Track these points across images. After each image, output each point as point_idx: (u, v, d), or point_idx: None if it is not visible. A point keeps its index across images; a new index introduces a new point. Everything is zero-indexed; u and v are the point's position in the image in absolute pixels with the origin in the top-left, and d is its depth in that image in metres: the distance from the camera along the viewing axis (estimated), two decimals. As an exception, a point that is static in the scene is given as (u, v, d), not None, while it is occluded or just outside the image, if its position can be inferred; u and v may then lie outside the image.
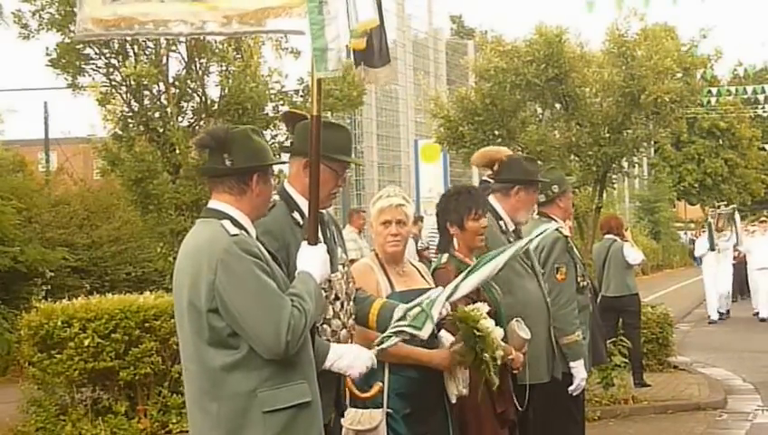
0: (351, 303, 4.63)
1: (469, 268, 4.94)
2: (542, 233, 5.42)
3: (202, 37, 14.39)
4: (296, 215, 4.47)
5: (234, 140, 3.88)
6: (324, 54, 3.97)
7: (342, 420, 4.65)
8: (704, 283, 21.40)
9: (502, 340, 4.94)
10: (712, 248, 20.36)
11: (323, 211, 4.54)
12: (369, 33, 4.14)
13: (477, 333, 4.69)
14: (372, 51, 4.26)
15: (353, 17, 4.10)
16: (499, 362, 4.84)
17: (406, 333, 4.56)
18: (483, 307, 4.84)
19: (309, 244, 4.05)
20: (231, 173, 3.89)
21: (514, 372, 5.48)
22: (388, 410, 4.81)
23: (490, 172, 6.40)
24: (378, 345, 4.52)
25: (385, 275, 5.07)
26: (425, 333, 4.58)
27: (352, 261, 5.03)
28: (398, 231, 5.08)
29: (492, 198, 6.16)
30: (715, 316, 20.91)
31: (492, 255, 4.96)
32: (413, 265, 5.35)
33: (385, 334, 4.56)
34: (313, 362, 3.96)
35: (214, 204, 3.94)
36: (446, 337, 4.99)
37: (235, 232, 3.78)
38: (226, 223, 3.81)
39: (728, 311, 21.65)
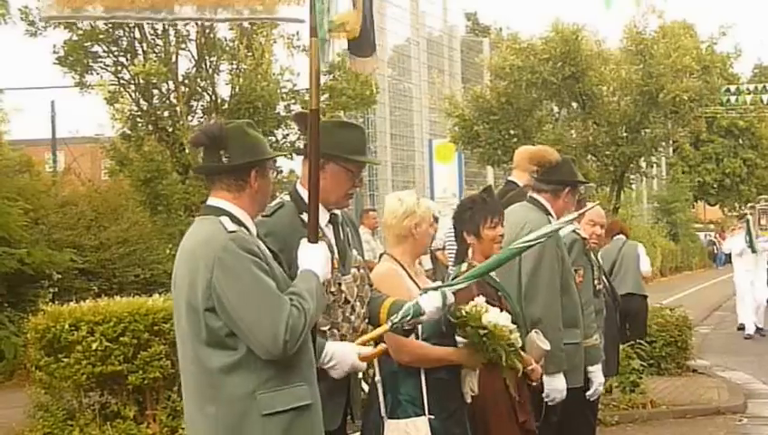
0: (366, 306, 4.54)
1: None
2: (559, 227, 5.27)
3: (212, 35, 14.30)
4: (305, 216, 4.32)
5: (229, 137, 3.83)
6: (324, 45, 3.92)
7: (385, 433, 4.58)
8: (737, 288, 18.47)
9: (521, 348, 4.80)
10: (753, 250, 17.60)
11: (337, 212, 4.54)
12: (346, 26, 4.11)
13: (482, 332, 4.59)
14: (362, 40, 4.28)
15: (333, 9, 4.10)
16: (518, 346, 4.69)
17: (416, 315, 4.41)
18: (480, 300, 4.72)
19: (309, 242, 3.98)
20: (228, 170, 3.84)
21: (533, 383, 5.37)
22: (430, 416, 4.68)
23: (527, 173, 6.39)
24: (390, 328, 4.39)
25: (410, 277, 4.95)
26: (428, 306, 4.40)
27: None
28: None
29: (541, 199, 6.13)
30: (751, 329, 17.74)
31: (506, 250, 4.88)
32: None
33: (393, 317, 4.40)
34: (314, 363, 3.91)
35: (212, 201, 3.88)
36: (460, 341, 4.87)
37: (233, 229, 3.72)
38: (225, 219, 3.75)
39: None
